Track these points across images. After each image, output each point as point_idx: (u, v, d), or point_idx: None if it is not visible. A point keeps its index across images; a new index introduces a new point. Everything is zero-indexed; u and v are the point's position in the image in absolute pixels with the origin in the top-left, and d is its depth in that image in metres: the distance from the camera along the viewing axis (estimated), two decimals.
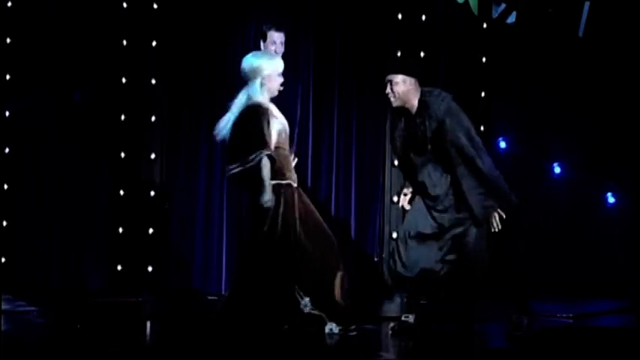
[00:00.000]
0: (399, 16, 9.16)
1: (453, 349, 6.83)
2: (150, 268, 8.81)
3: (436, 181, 7.05)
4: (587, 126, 9.08)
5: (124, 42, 8.82)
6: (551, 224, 9.03)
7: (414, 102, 7.08)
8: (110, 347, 6.56)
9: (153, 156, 8.90)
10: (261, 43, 8.38)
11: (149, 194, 8.87)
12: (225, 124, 6.99)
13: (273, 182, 6.86)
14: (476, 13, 9.14)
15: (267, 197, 6.83)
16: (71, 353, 6.45)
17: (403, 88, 7.05)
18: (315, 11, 9.03)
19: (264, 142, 6.83)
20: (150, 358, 6.52)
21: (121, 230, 8.80)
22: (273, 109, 7.03)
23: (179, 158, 8.95)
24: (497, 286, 7.09)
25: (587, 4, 8.96)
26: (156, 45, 8.88)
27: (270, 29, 8.42)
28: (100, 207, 8.82)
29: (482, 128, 8.83)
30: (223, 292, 8.61)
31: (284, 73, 7.09)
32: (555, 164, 9.21)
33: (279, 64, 7.05)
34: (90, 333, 7.05)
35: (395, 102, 7.10)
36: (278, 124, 6.95)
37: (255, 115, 6.90)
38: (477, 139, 7.01)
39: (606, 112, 9.03)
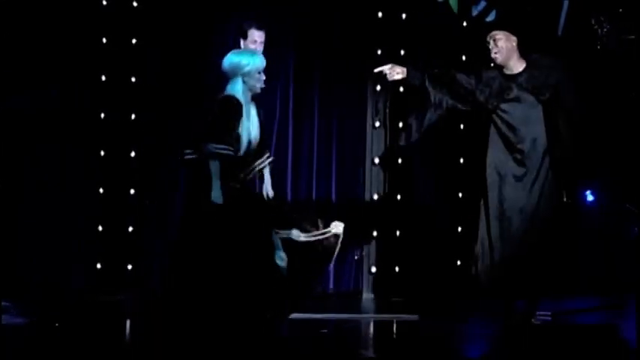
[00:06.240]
0: (380, 15, 9.18)
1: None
2: (129, 267, 8.81)
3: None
4: None
5: (104, 40, 8.81)
6: None
7: (516, 63, 7.25)
8: (90, 346, 6.56)
9: (132, 154, 8.89)
10: (241, 42, 8.37)
11: (128, 192, 8.86)
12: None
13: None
14: (455, 11, 9.18)
15: (217, 194, 6.73)
16: (52, 352, 6.44)
17: (507, 44, 7.24)
18: (295, 10, 9.03)
19: (225, 136, 6.77)
20: (130, 357, 6.51)
21: (100, 228, 8.79)
22: (252, 111, 6.97)
23: (159, 156, 8.93)
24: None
25: (566, 3, 8.98)
26: (135, 43, 8.87)
27: (250, 27, 8.39)
28: (79, 205, 8.80)
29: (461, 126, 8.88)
30: None
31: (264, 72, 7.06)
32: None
33: (259, 62, 7.02)
34: (70, 331, 7.04)
35: (498, 58, 7.27)
36: (246, 129, 6.90)
37: (229, 105, 6.85)
38: None
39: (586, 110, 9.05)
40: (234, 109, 6.82)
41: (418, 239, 9.08)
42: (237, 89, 6.91)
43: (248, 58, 6.98)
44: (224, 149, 6.69)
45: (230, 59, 6.98)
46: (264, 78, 6.98)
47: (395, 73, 7.37)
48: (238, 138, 6.79)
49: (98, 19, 8.79)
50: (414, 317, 7.89)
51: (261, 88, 6.97)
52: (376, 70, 7.47)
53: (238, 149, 6.76)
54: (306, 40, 9.11)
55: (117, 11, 8.82)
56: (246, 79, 6.92)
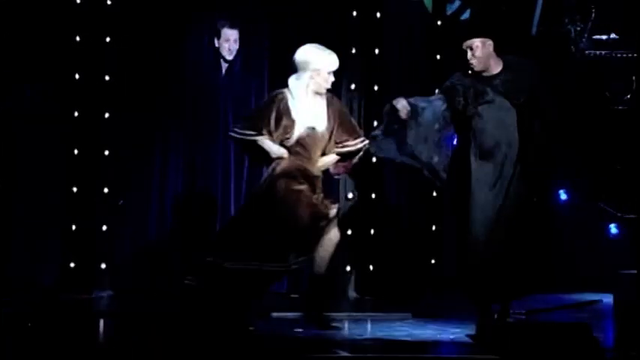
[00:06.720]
0: (354, 14, 9.18)
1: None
2: (103, 266, 8.78)
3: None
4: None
5: (77, 38, 8.78)
6: None
7: (494, 65, 7.18)
8: (62, 345, 6.54)
9: (106, 152, 8.86)
10: (215, 40, 8.37)
11: (102, 191, 8.83)
12: None
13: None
14: (430, 10, 9.19)
15: (273, 149, 6.88)
16: (24, 350, 6.42)
17: (484, 51, 7.13)
18: (269, 9, 9.02)
19: (259, 127, 6.81)
20: (102, 357, 6.50)
21: (74, 227, 8.76)
22: (305, 106, 6.92)
23: (133, 155, 8.91)
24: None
25: (540, 2, 9.01)
26: (110, 41, 8.84)
27: (224, 26, 8.40)
28: (53, 204, 8.77)
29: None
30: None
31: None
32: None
33: (332, 63, 6.91)
34: (41, 330, 7.02)
35: (477, 67, 7.17)
36: (291, 121, 6.87)
37: (270, 98, 6.85)
38: None
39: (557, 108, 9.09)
40: (274, 103, 6.85)
41: (392, 238, 9.09)
42: (299, 83, 6.82)
43: (321, 57, 6.88)
44: (244, 134, 6.83)
45: (303, 53, 6.89)
46: (332, 79, 6.89)
47: (404, 113, 7.25)
48: (287, 128, 6.81)
49: (71, 17, 8.76)
50: (390, 316, 7.90)
51: (327, 89, 6.94)
52: (394, 104, 7.28)
53: (289, 137, 6.83)
54: (280, 38, 9.09)
55: (90, 9, 8.79)
56: (314, 74, 6.83)
